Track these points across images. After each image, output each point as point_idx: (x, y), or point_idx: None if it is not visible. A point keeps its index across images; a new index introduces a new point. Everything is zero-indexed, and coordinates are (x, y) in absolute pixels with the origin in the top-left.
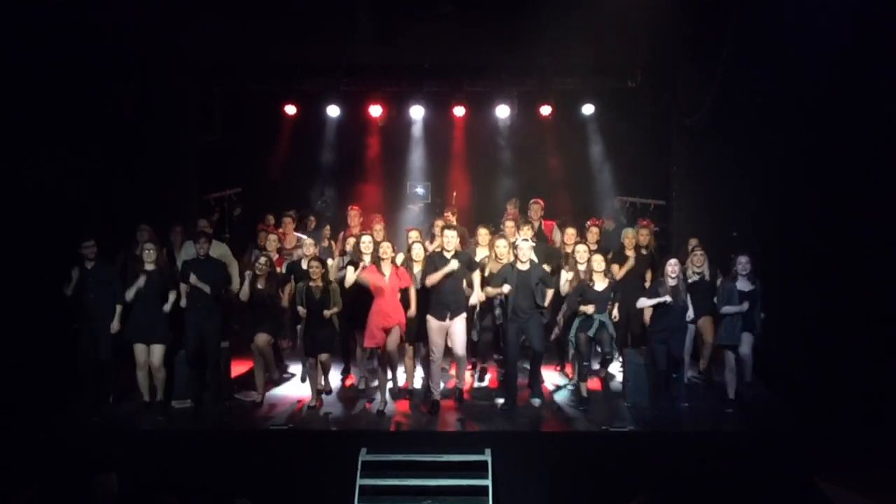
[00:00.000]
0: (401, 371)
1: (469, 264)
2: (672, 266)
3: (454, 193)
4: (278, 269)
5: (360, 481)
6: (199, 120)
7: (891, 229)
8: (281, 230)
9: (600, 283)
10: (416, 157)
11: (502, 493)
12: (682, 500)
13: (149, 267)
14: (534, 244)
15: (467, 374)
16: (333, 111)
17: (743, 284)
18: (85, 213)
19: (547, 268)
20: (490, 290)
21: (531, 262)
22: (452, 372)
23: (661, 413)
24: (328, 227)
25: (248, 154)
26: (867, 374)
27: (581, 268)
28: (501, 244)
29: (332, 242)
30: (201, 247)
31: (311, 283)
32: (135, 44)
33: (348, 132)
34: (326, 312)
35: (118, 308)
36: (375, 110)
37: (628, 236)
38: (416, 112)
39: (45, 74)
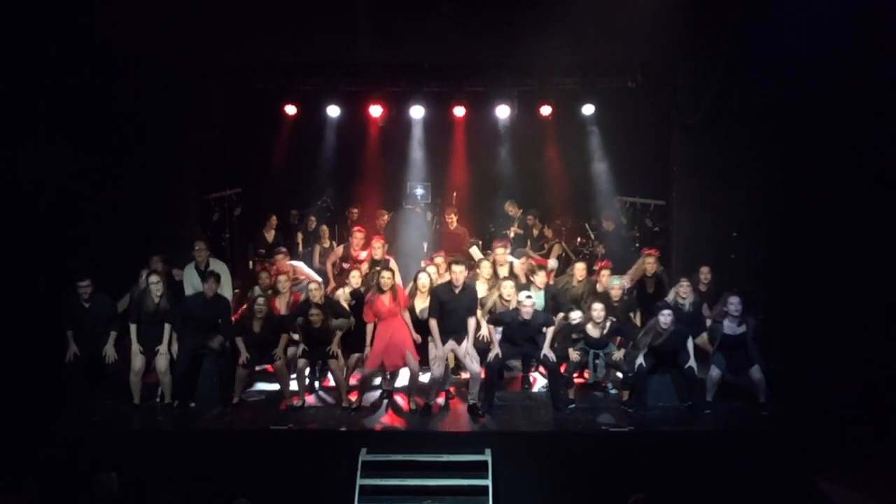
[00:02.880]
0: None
1: (471, 305)
2: (664, 318)
3: (454, 193)
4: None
5: (360, 481)
6: (199, 120)
7: (891, 229)
8: (274, 266)
9: (597, 330)
10: (416, 157)
11: (502, 492)
12: (681, 499)
13: (156, 300)
14: (534, 301)
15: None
16: (333, 111)
17: (731, 327)
18: (85, 214)
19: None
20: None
21: (535, 312)
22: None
23: (655, 413)
24: (325, 227)
25: (248, 154)
26: (867, 374)
27: (597, 323)
28: (508, 286)
29: (332, 242)
30: (209, 288)
31: (311, 325)
32: (134, 44)
33: (348, 132)
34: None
35: (112, 335)
36: (375, 110)
37: (614, 288)
38: (416, 112)
39: (44, 74)
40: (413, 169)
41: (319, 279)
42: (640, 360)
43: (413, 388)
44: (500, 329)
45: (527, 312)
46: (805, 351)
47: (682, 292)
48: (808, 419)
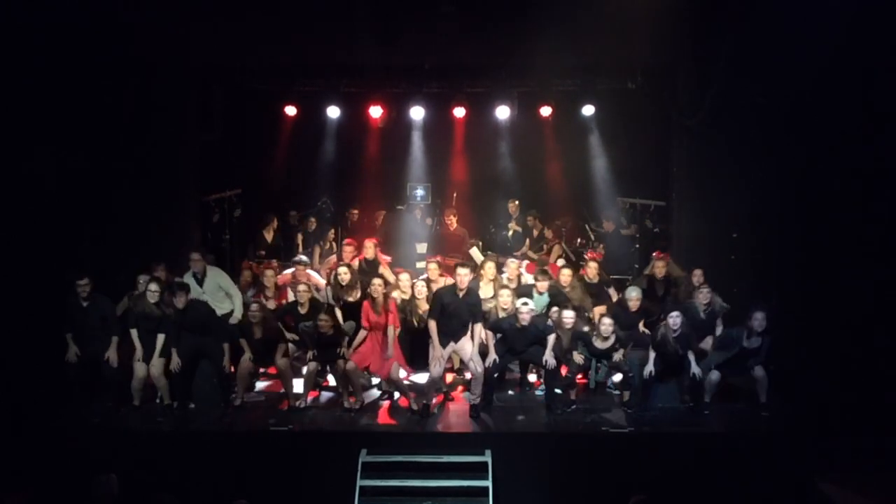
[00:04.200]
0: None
1: (474, 305)
2: (674, 319)
3: (454, 194)
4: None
5: (360, 482)
6: (200, 120)
7: (891, 229)
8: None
9: (603, 343)
10: (416, 159)
11: (502, 493)
12: (680, 500)
13: (153, 305)
14: (534, 308)
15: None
16: (333, 112)
17: (754, 342)
18: (85, 214)
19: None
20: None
21: (534, 318)
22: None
23: (655, 414)
24: (332, 230)
25: (248, 154)
26: (867, 374)
27: (604, 337)
28: (504, 295)
29: (333, 244)
30: (179, 301)
31: (321, 329)
32: (135, 44)
33: (348, 133)
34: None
35: (114, 339)
36: (375, 111)
37: (592, 269)
38: (416, 113)
39: (45, 74)
40: (413, 170)
41: (323, 285)
42: (649, 366)
43: (404, 389)
44: (498, 335)
45: (524, 319)
46: (805, 351)
47: (702, 298)
48: (808, 419)
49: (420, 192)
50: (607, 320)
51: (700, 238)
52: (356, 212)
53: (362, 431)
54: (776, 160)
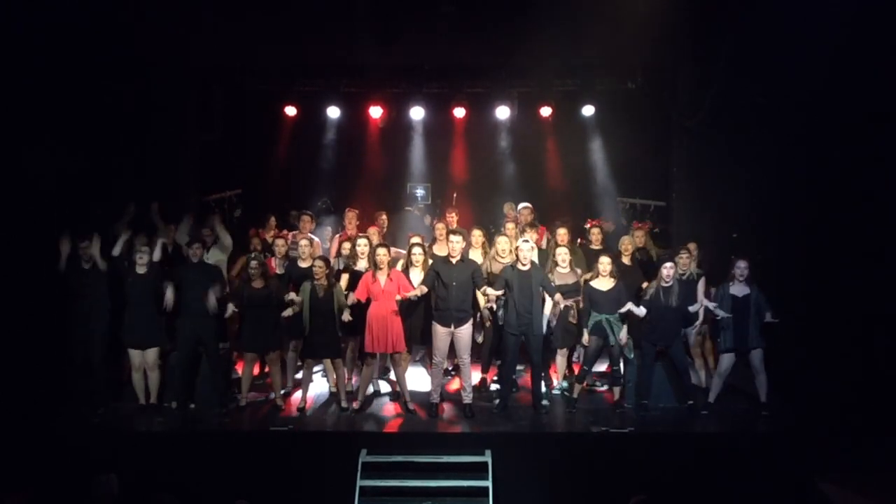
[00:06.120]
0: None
1: (475, 272)
2: (667, 269)
3: (454, 195)
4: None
5: (360, 482)
6: (200, 121)
7: (891, 229)
8: (289, 233)
9: (606, 284)
10: (416, 159)
11: (502, 494)
12: (680, 500)
13: (140, 270)
14: (534, 246)
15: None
16: (333, 112)
17: (738, 289)
18: (84, 214)
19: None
20: (490, 291)
21: (532, 263)
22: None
23: (655, 414)
24: (329, 230)
25: (248, 154)
26: (867, 374)
27: (562, 270)
28: (503, 241)
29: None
30: (194, 253)
31: (316, 282)
32: (135, 44)
33: (348, 133)
34: (346, 317)
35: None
36: (375, 111)
37: (625, 243)
38: (416, 113)
39: (45, 74)
40: (413, 170)
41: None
42: (641, 310)
43: (405, 388)
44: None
45: (525, 258)
46: (805, 351)
47: (682, 263)
48: (808, 419)
49: (420, 192)
50: (605, 259)
51: (700, 238)
52: (353, 212)
53: (362, 432)
54: (776, 160)
